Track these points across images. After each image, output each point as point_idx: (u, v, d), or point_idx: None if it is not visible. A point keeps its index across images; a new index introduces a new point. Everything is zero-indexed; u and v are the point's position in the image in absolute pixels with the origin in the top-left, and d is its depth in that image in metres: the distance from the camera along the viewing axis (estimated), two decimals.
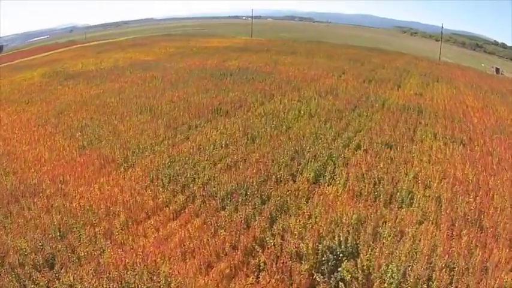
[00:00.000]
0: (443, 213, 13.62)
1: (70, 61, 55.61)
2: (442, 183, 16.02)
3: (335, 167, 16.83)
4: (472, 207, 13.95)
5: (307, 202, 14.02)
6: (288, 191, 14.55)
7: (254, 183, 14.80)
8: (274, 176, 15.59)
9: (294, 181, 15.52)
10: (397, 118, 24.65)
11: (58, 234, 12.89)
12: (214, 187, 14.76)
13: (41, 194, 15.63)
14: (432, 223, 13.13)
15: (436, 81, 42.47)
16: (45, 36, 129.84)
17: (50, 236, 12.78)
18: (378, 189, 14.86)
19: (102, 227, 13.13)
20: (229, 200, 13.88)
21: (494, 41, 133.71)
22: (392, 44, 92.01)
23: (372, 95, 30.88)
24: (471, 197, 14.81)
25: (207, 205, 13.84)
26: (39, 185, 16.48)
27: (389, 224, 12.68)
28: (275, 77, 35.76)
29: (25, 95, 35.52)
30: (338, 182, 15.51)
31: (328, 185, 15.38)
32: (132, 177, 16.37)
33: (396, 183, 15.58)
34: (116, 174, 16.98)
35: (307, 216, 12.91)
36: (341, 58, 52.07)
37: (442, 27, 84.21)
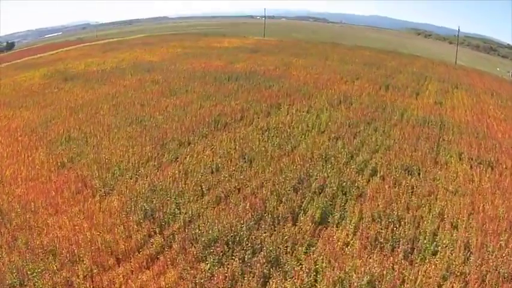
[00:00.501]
0: (472, 265, 11.20)
1: (74, 61, 53.63)
2: (470, 221, 13.49)
3: (346, 201, 14.22)
4: (504, 255, 11.62)
5: (308, 250, 11.44)
6: (286, 236, 11.94)
7: (244, 228, 12.15)
8: (270, 215, 12.97)
9: (295, 222, 12.83)
10: (417, 134, 22.01)
11: (16, 281, 10.85)
12: (198, 228, 12.25)
13: (8, 225, 13.58)
14: (459, 279, 10.65)
15: (455, 87, 39.74)
16: (58, 33, 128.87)
17: (8, 282, 10.85)
18: (397, 233, 12.23)
19: (62, 277, 10.84)
20: (213, 249, 11.33)
21: (508, 44, 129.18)
22: (407, 46, 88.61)
23: (389, 104, 28.14)
24: (503, 238, 12.50)
25: (186, 252, 11.35)
26: (8, 213, 14.38)
27: (408, 286, 10.14)
28: (284, 83, 33.11)
29: (21, 98, 33.66)
30: (349, 222, 12.91)
31: (336, 227, 12.76)
32: (107, 209, 13.97)
33: (418, 223, 12.99)
34: (91, 203, 14.61)
35: (305, 274, 10.35)
36: (355, 61, 49.19)
37: (459, 30, 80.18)
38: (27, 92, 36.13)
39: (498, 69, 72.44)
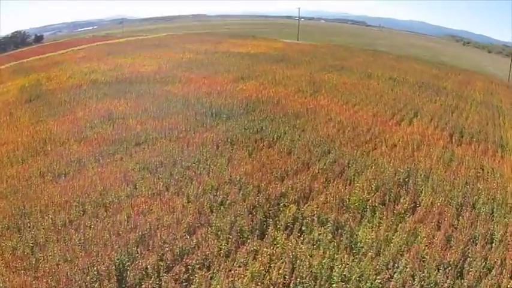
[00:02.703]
0: None
1: (71, 66, 42.80)
2: None
3: None
4: None
5: None
6: None
7: None
8: None
9: None
10: None
11: None
12: None
13: None
14: None
15: None
16: (93, 27, 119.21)
17: None
18: None
19: None
20: None
21: None
22: (451, 55, 74.33)
23: (477, 185, 15.00)
24: None
25: None
26: None
27: None
28: (305, 128, 20.25)
29: None
30: None
31: None
32: None
33: None
34: None
35: None
36: (406, 80, 35.99)
37: None
38: None
39: None
